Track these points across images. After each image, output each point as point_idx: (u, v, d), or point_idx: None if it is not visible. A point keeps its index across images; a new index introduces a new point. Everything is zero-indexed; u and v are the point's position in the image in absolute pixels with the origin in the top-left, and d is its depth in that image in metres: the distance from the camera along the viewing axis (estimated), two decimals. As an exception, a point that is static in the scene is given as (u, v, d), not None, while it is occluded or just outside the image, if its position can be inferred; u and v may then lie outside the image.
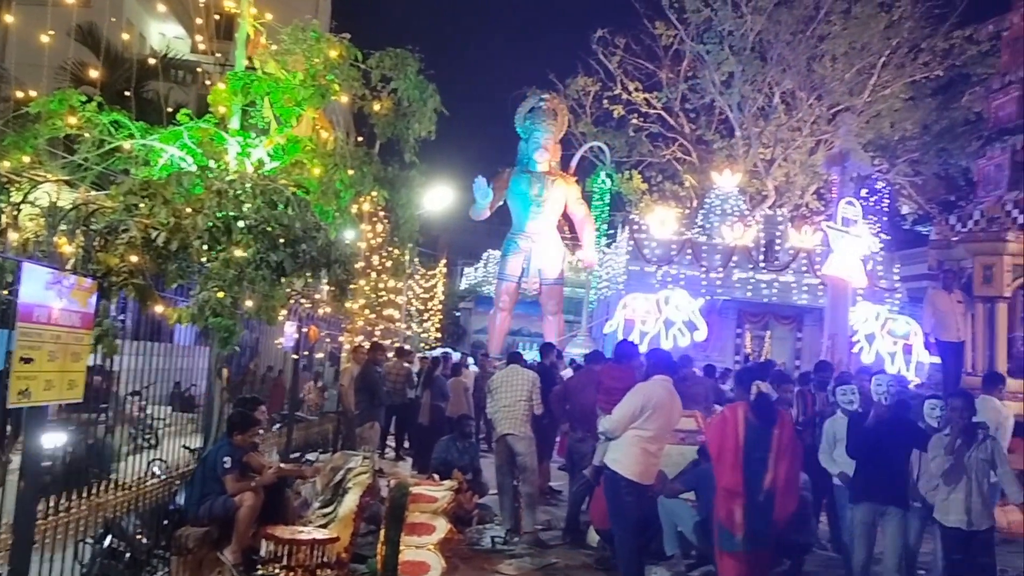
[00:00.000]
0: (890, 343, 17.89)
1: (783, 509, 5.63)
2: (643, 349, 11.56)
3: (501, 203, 21.16)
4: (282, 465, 7.39)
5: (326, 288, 7.56)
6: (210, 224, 5.63)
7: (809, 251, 19.72)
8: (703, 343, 17.68)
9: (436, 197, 20.87)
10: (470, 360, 17.37)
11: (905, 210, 27.24)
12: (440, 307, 39.50)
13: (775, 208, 23.37)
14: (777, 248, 20.22)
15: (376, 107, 7.64)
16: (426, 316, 38.37)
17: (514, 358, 9.75)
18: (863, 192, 19.38)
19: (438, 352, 18.77)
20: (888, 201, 25.45)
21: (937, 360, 15.62)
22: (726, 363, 17.43)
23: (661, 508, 6.83)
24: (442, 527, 6.40)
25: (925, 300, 12.12)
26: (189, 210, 5.57)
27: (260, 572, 5.99)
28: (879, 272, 20.01)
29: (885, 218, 24.66)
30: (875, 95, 24.65)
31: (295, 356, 10.25)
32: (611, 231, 26.01)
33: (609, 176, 25.18)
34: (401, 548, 6.19)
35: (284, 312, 7.61)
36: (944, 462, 5.90)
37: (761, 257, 20.00)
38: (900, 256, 21.04)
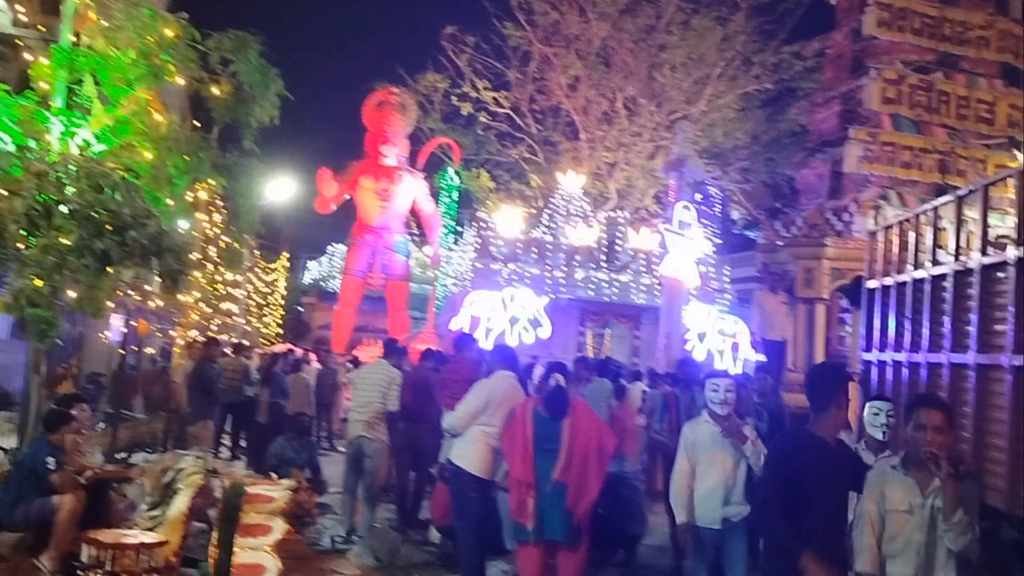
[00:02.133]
0: (720, 341, 18.78)
1: (579, 501, 5.68)
2: (488, 346, 11.64)
3: (347, 197, 20.83)
4: (105, 466, 6.98)
5: (157, 280, 7.18)
6: (29, 208, 5.24)
7: (648, 252, 20.42)
8: (546, 340, 18.00)
9: (279, 188, 20.33)
10: (312, 356, 16.99)
11: (735, 215, 28.66)
12: (281, 302, 38.46)
13: (616, 210, 24.07)
14: (618, 249, 20.82)
15: (214, 90, 7.32)
16: (266, 311, 37.27)
17: (390, 350, 9.33)
18: (698, 197, 20.25)
19: (279, 348, 18.25)
20: (720, 206, 26.70)
21: (762, 357, 16.57)
22: (565, 360, 17.79)
23: (501, 503, 6.89)
24: (279, 528, 6.20)
25: (753, 301, 12.80)
26: (5, 192, 5.17)
27: (81, 579, 5.63)
28: (711, 273, 20.95)
29: (717, 222, 25.88)
30: (710, 105, 25.80)
31: (122, 352, 9.71)
32: (458, 228, 26.10)
33: (457, 173, 25.24)
34: (236, 550, 5.96)
35: (110, 304, 7.19)
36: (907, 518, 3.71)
37: (603, 257, 20.54)
38: (730, 259, 22.13)
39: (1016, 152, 18.05)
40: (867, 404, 5.23)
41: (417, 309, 22.38)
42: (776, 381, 13.38)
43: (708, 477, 5.33)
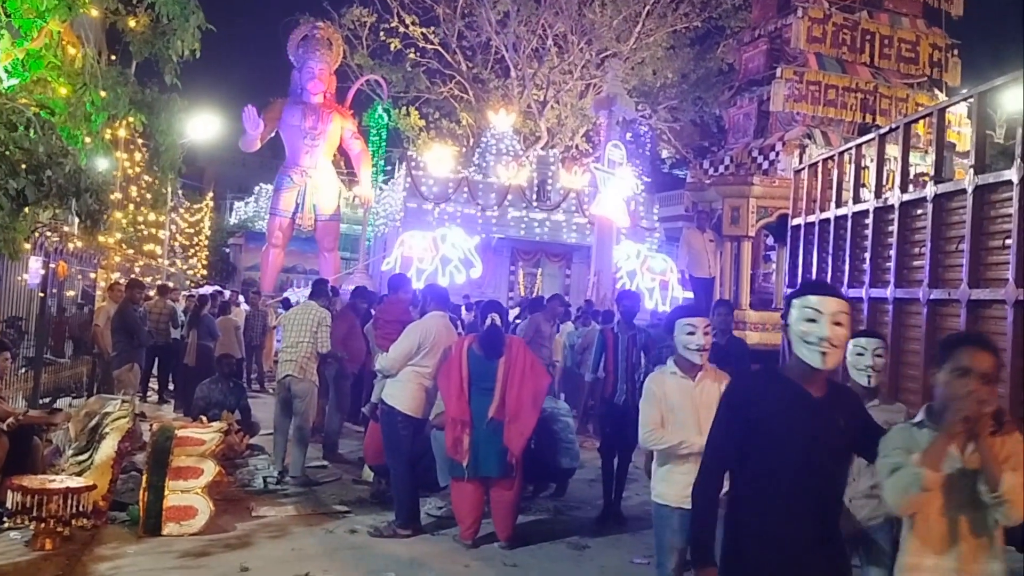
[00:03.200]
0: (649, 279, 19.08)
1: (515, 438, 5.79)
2: (420, 286, 11.63)
3: (273, 135, 20.35)
4: (29, 412, 6.81)
5: (77, 220, 6.95)
6: (-66, 146, 4.99)
7: (578, 191, 20.50)
8: (478, 280, 18.04)
9: (202, 125, 19.73)
10: (240, 298, 16.74)
11: (664, 154, 28.89)
12: (207, 243, 37.64)
13: (547, 149, 24.04)
14: (549, 188, 20.85)
15: (131, 23, 7.02)
16: (192, 252, 36.46)
17: (317, 290, 9.27)
18: (628, 136, 20.35)
19: (208, 290, 17.91)
20: (650, 145, 26.89)
21: (690, 295, 16.91)
22: (500, 298, 17.90)
23: (434, 441, 6.96)
24: (210, 470, 6.17)
25: (681, 239, 13.00)
26: (-93, 129, 4.91)
27: (7, 525, 5.53)
28: (641, 212, 21.17)
29: (646, 161, 26.06)
30: (640, 42, 25.74)
31: (42, 295, 9.42)
32: (388, 167, 25.74)
33: (386, 111, 24.82)
34: (166, 493, 5.91)
35: (28, 246, 6.94)
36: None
37: (534, 196, 20.56)
38: (659, 198, 22.36)
39: (937, 91, 18.51)
40: (850, 342, 3.96)
41: (347, 249, 22.17)
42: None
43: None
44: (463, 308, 13.34)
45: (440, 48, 26.30)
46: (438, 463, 6.82)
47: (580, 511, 7.24)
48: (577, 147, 26.80)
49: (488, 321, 5.92)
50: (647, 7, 25.38)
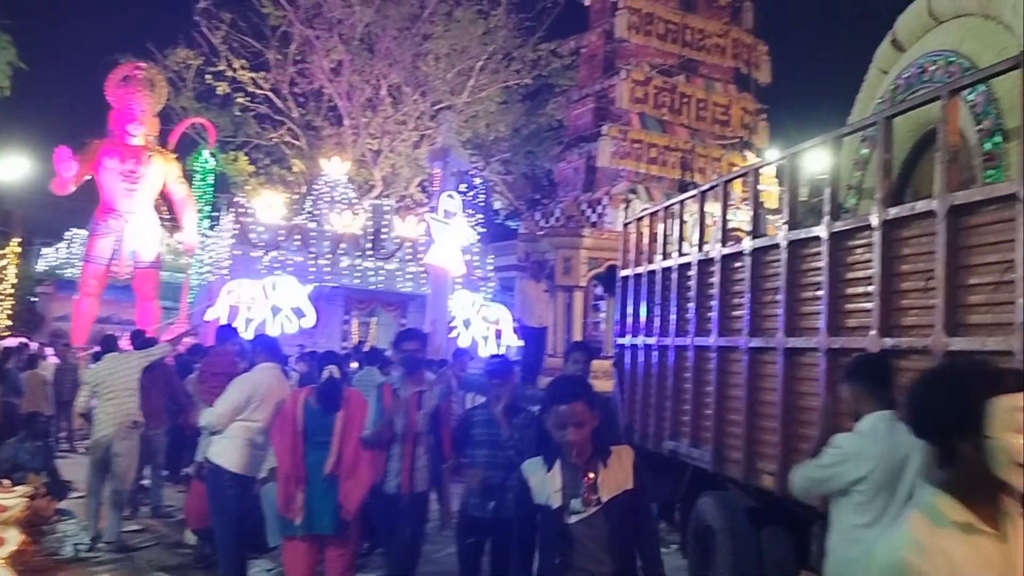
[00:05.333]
0: (484, 328, 19.23)
1: (351, 494, 5.60)
2: (249, 336, 11.23)
3: (89, 177, 19.24)
4: None
5: None
6: None
7: (413, 240, 20.49)
8: (311, 330, 17.60)
9: (10, 166, 18.41)
10: (48, 351, 15.57)
11: (498, 205, 29.43)
12: (12, 291, 34.92)
13: (382, 197, 23.95)
14: (384, 237, 20.74)
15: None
16: (-6, 302, 33.71)
17: (137, 342, 8.78)
18: (462, 187, 20.59)
19: (12, 342, 16.56)
20: (484, 196, 27.34)
21: (521, 343, 17.17)
22: (333, 348, 17.53)
23: (264, 498, 6.65)
24: (13, 538, 5.64)
25: (516, 288, 13.24)
26: None
27: None
28: (475, 262, 21.39)
29: (481, 212, 26.46)
30: (473, 96, 26.27)
31: None
32: (215, 213, 24.85)
33: (213, 155, 24.03)
34: (-40, 568, 5.35)
35: None
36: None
37: (368, 245, 20.39)
38: (494, 248, 22.68)
39: (747, 152, 19.84)
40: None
41: (169, 298, 21.13)
42: (537, 367, 13.89)
43: None
44: (294, 359, 12.96)
45: (271, 93, 25.84)
46: (268, 521, 6.52)
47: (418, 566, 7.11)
48: (412, 196, 26.87)
49: (326, 374, 5.75)
50: (480, 63, 25.97)
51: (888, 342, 4.54)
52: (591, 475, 3.40)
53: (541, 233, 15.46)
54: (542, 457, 3.51)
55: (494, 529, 5.32)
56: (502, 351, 18.52)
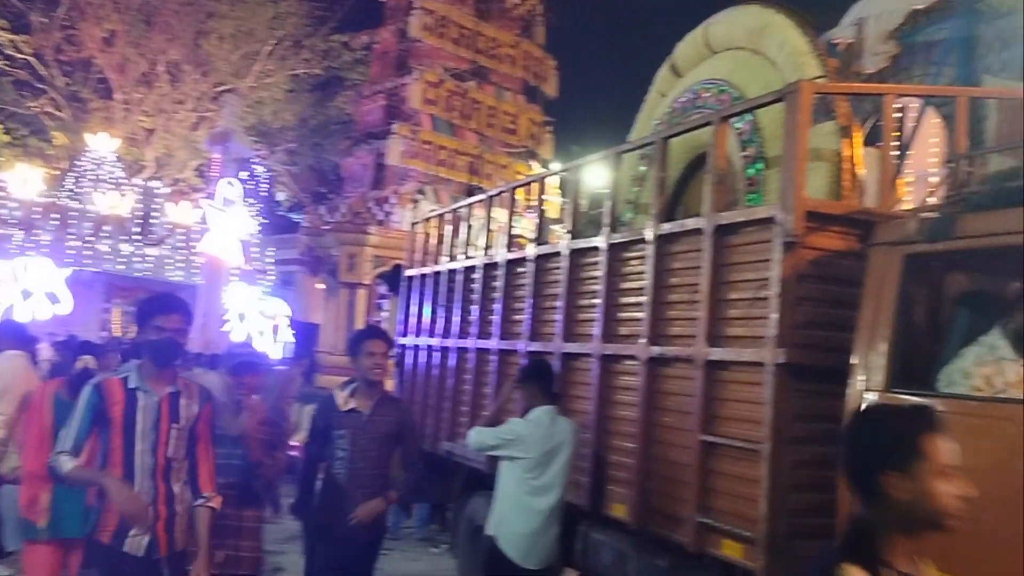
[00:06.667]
0: (261, 322, 18.55)
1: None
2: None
3: None
4: None
5: None
6: None
7: (187, 227, 19.45)
8: (66, 317, 16.24)
9: None
10: None
11: (281, 197, 28.54)
12: None
13: (154, 180, 22.54)
14: (154, 221, 19.54)
15: None
16: None
17: None
18: (243, 174, 19.74)
19: None
20: (267, 186, 26.41)
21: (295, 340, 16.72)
22: (90, 337, 16.28)
23: (5, 499, 6.05)
24: None
25: (295, 283, 12.88)
26: None
27: None
28: (254, 254, 20.61)
29: (263, 202, 25.54)
30: (259, 81, 25.32)
31: None
32: (-43, 185, 22.37)
33: (-42, 121, 21.64)
34: None
35: None
36: None
37: (136, 229, 19.13)
38: (275, 240, 21.96)
39: (533, 162, 20.43)
40: None
41: None
42: (311, 364, 13.57)
43: None
44: (47, 347, 11.90)
45: (33, 58, 23.62)
46: (5, 524, 5.96)
47: None
48: (187, 181, 25.47)
49: (80, 364, 5.32)
50: (267, 48, 25.07)
51: (655, 350, 4.81)
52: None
53: (326, 228, 15.14)
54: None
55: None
56: (279, 347, 17.97)
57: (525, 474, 4.93)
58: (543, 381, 5.19)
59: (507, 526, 4.97)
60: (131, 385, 3.78)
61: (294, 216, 27.84)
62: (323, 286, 11.60)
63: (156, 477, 3.75)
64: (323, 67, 26.25)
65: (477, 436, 5.19)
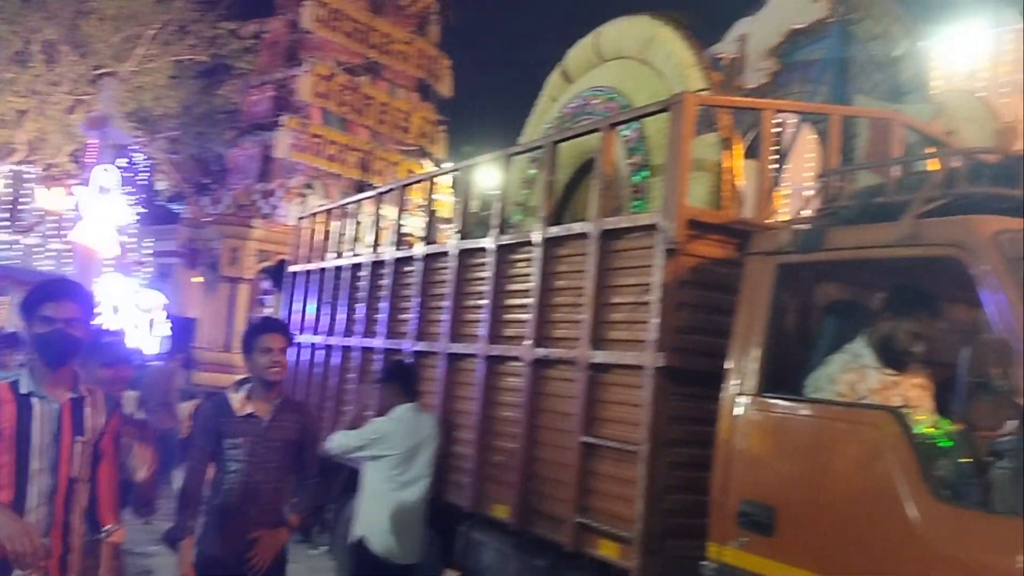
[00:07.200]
0: (136, 315, 17.84)
1: None
2: None
3: None
4: None
5: None
6: None
7: (59, 214, 18.56)
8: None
9: None
10: None
11: (161, 186, 27.49)
12: None
13: (25, 164, 21.38)
14: (23, 207, 18.56)
15: None
16: None
17: None
18: (121, 161, 18.96)
19: None
20: (146, 175, 25.43)
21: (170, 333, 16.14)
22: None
23: None
24: None
25: (174, 275, 12.43)
26: None
27: None
28: (131, 244, 19.82)
29: (142, 191, 24.59)
30: (141, 66, 24.29)
31: None
32: None
33: None
34: None
35: None
36: None
37: (4, 215, 18.13)
38: (154, 231, 21.17)
39: (425, 161, 20.34)
40: None
41: None
42: (186, 360, 13.11)
43: None
44: None
45: None
46: None
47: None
48: (61, 166, 24.24)
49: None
50: (151, 31, 24.12)
51: (540, 352, 4.86)
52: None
53: (207, 220, 14.68)
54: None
55: None
56: (155, 341, 17.33)
57: (391, 471, 5.02)
58: (404, 380, 5.35)
59: (377, 524, 5.01)
60: (23, 390, 3.06)
61: (174, 207, 26.89)
62: (201, 279, 11.23)
63: (54, 503, 3.04)
64: (209, 54, 25.38)
65: (341, 439, 5.17)
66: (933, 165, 3.95)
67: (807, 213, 4.16)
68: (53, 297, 3.13)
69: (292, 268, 9.02)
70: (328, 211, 8.59)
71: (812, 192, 4.82)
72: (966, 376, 2.79)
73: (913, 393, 3.51)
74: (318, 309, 7.93)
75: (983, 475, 2.88)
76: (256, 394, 4.02)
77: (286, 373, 4.16)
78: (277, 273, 11.53)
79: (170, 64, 24.88)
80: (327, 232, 8.33)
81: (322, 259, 8.22)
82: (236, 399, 4.02)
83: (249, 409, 4.00)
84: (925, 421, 3.32)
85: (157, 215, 25.26)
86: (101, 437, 3.20)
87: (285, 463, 4.06)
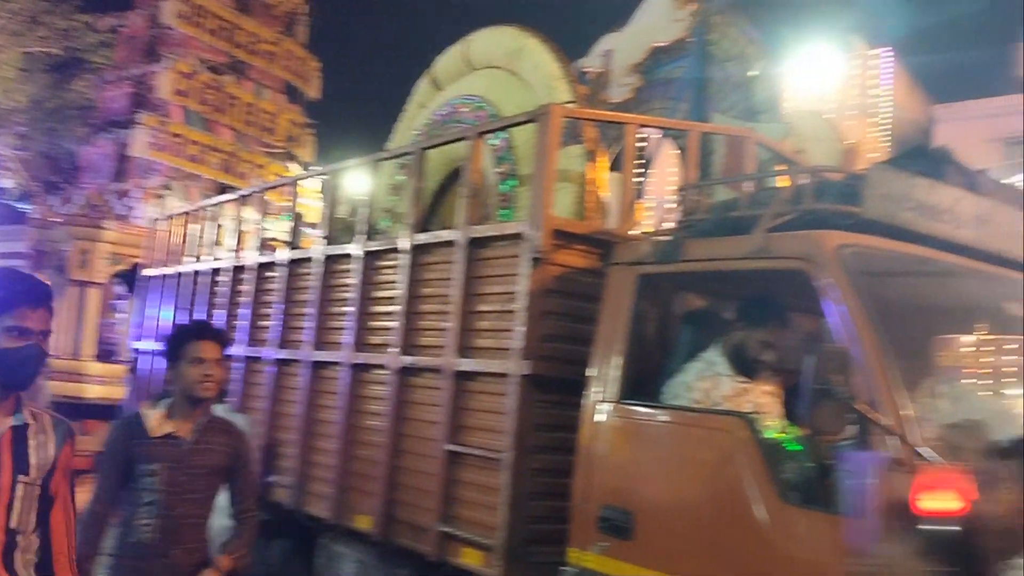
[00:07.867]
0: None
1: None
2: None
3: None
4: None
5: None
6: None
7: None
8: None
9: None
10: None
11: (8, 184, 25.91)
12: None
13: None
14: None
15: None
16: None
17: None
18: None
19: None
20: (-9, 171, 23.90)
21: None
22: None
23: None
24: None
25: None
26: None
27: None
28: (-30, 245, 18.53)
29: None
30: (-13, 58, 22.89)
31: None
32: None
33: None
34: None
35: None
36: None
37: None
38: (-2, 231, 19.83)
39: (291, 163, 19.90)
40: None
41: None
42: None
43: None
44: None
45: None
46: None
47: None
48: None
49: None
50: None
51: (407, 360, 4.83)
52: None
53: (57, 220, 13.89)
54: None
55: None
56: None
57: None
58: None
59: None
60: None
61: (21, 206, 25.35)
62: (48, 283, 10.62)
63: None
64: (62, 47, 24.12)
65: None
66: (783, 182, 4.14)
67: (667, 225, 4.29)
68: (26, 301, 2.46)
69: (146, 272, 8.64)
70: (187, 213, 8.28)
71: (672, 205, 4.97)
72: (811, 383, 2.93)
73: (763, 399, 3.67)
74: (174, 315, 7.62)
75: (826, 478, 3.03)
76: (178, 411, 3.41)
77: (219, 389, 3.50)
78: (131, 277, 11.01)
79: (19, 56, 23.51)
80: (186, 235, 8.02)
81: (179, 263, 7.91)
82: (152, 416, 3.40)
83: (168, 429, 3.38)
84: (774, 426, 3.47)
85: (2, 215, 23.76)
86: (51, 475, 2.49)
87: (210, 492, 3.46)
